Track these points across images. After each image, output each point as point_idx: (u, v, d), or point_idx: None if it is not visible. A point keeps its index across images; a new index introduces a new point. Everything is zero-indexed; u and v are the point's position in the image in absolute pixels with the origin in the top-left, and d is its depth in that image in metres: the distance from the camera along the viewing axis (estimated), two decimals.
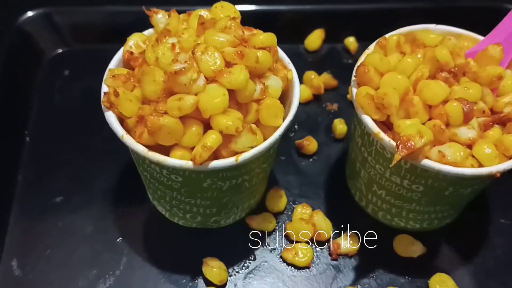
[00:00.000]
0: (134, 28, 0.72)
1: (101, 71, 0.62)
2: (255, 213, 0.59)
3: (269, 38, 0.49)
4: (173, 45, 0.45)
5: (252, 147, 0.46)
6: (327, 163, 0.64)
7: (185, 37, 0.48)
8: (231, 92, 0.45)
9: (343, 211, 0.60)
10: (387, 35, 0.55)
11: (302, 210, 0.59)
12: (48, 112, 0.67)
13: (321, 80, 0.70)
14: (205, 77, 0.45)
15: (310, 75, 0.70)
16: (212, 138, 0.44)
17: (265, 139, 0.47)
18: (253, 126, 0.46)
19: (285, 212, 0.60)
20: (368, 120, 0.49)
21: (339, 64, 0.75)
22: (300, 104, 0.69)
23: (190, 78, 0.44)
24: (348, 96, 0.71)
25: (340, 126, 0.66)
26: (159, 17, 0.52)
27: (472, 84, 0.48)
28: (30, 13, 0.72)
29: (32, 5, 0.73)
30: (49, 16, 0.73)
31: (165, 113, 0.44)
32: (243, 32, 0.48)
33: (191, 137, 0.45)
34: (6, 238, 0.56)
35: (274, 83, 0.48)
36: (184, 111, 0.43)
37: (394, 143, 0.47)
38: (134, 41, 0.51)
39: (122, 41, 0.73)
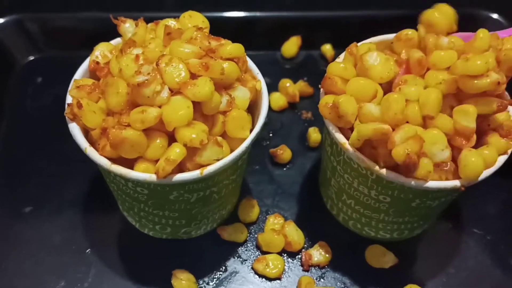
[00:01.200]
0: (107, 35, 0.72)
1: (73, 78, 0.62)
2: (227, 223, 0.58)
3: (236, 48, 0.48)
4: (137, 56, 0.45)
5: (218, 160, 0.45)
6: (301, 172, 0.64)
7: (151, 48, 0.47)
8: (197, 104, 0.45)
9: (316, 220, 0.60)
10: (359, 44, 0.55)
11: (274, 221, 0.58)
12: (19, 119, 0.66)
13: (297, 88, 0.70)
14: (170, 89, 0.44)
15: (285, 83, 0.70)
16: (176, 152, 0.43)
17: (232, 151, 0.47)
18: (219, 138, 0.46)
19: (257, 222, 0.59)
20: (333, 129, 0.49)
21: (315, 71, 0.75)
22: (275, 112, 0.70)
23: (154, 90, 0.43)
24: None
25: (314, 135, 0.65)
26: (127, 26, 0.52)
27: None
28: (1, 20, 0.71)
29: (3, 11, 0.72)
30: (21, 23, 0.72)
31: (128, 125, 0.44)
32: (209, 42, 0.47)
33: (155, 150, 0.44)
34: None
35: (242, 94, 0.48)
36: (147, 124, 0.43)
37: (359, 155, 0.47)
38: (101, 51, 0.50)
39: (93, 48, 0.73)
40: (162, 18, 0.73)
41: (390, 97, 0.45)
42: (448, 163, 0.47)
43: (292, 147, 0.65)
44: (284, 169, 0.64)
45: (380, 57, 0.49)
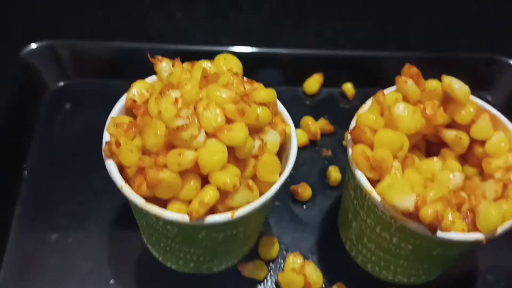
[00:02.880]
0: (136, 64, 0.74)
1: (102, 106, 0.63)
2: (247, 259, 0.59)
3: (269, 94, 0.50)
4: (176, 99, 0.46)
5: (248, 203, 0.47)
6: (320, 210, 0.65)
7: (187, 89, 0.49)
8: (230, 148, 0.46)
9: (334, 261, 0.61)
10: (385, 91, 0.56)
11: (294, 260, 0.59)
12: (47, 146, 0.68)
13: (318, 126, 0.71)
14: (206, 132, 0.46)
15: (308, 121, 0.71)
16: (210, 195, 0.45)
17: (261, 193, 0.48)
18: (250, 182, 0.47)
19: (277, 259, 0.61)
20: (361, 177, 0.50)
21: (336, 109, 0.76)
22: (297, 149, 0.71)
23: (191, 134, 0.45)
24: (344, 142, 0.72)
25: (334, 174, 0.67)
26: (163, 65, 0.53)
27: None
28: (33, 45, 0.73)
29: (35, 37, 0.74)
30: (52, 49, 0.74)
31: (165, 166, 0.45)
32: (244, 88, 0.49)
33: (189, 191, 0.46)
34: (0, 275, 0.57)
35: (272, 138, 0.50)
36: (184, 167, 0.44)
37: (385, 204, 0.48)
38: (137, 89, 0.52)
39: (123, 76, 0.75)
40: (192, 51, 0.76)
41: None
42: (469, 215, 0.49)
43: (312, 184, 0.67)
44: (304, 206, 0.66)
45: (408, 109, 0.51)
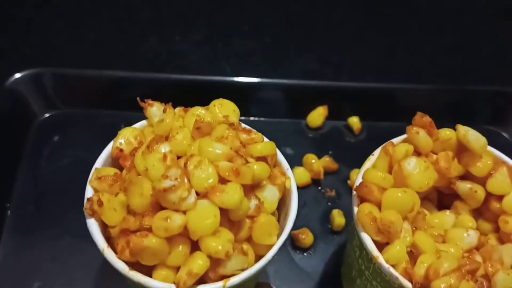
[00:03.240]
0: (128, 93, 0.70)
1: (92, 138, 0.60)
2: None
3: (268, 147, 0.46)
4: (164, 155, 0.42)
5: (242, 269, 0.43)
6: (323, 258, 0.61)
7: (178, 139, 0.45)
8: (223, 209, 0.42)
9: None
10: (394, 140, 0.52)
11: None
12: (33, 183, 0.64)
13: (321, 164, 0.67)
14: (196, 192, 0.42)
15: (311, 159, 0.67)
16: (199, 264, 0.40)
17: (257, 256, 0.44)
18: (245, 246, 0.43)
19: None
20: (368, 240, 0.46)
21: (341, 144, 0.72)
22: (298, 188, 0.67)
23: (180, 196, 0.40)
24: (349, 182, 0.68)
25: (338, 219, 0.63)
26: (154, 110, 0.49)
27: None
28: (18, 74, 0.69)
29: (21, 65, 0.70)
30: (39, 77, 0.70)
31: (150, 229, 0.41)
32: (240, 142, 0.45)
33: (176, 257, 0.41)
34: None
35: (270, 196, 0.45)
36: (171, 232, 0.40)
37: (393, 272, 0.44)
38: (125, 137, 0.48)
39: (115, 106, 0.71)
40: (188, 81, 0.72)
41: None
42: (485, 285, 0.44)
43: (314, 228, 0.63)
44: (305, 254, 0.61)
45: (420, 165, 0.46)
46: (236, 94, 0.70)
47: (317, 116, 0.73)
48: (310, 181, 0.67)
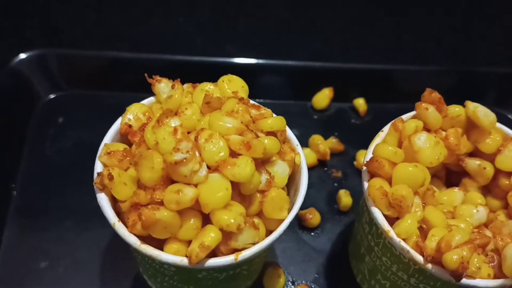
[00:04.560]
0: (133, 74, 0.69)
1: (97, 119, 0.59)
2: None
3: (278, 122, 0.45)
4: (175, 129, 0.42)
5: (253, 243, 0.43)
6: (329, 238, 0.61)
7: (188, 114, 0.45)
8: (234, 183, 0.42)
9: None
10: (404, 117, 0.52)
11: None
12: (38, 164, 0.64)
13: (328, 146, 0.67)
14: (207, 166, 0.41)
15: (317, 140, 0.67)
16: (211, 237, 0.40)
17: (267, 230, 0.44)
18: (256, 220, 0.43)
19: None
20: (378, 215, 0.46)
21: (347, 126, 0.72)
22: None
23: (191, 169, 0.40)
24: (355, 162, 0.67)
25: (345, 199, 0.62)
26: (162, 86, 0.49)
27: None
28: (23, 55, 0.69)
29: (25, 45, 0.70)
30: (44, 58, 0.70)
31: (162, 203, 0.41)
32: (250, 116, 0.44)
33: (188, 231, 0.41)
34: None
35: (280, 171, 0.45)
36: (183, 205, 0.40)
37: (404, 246, 0.44)
38: (133, 113, 0.47)
39: (120, 87, 0.70)
40: (193, 62, 0.72)
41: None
42: (495, 259, 0.44)
43: (321, 209, 0.62)
44: (312, 234, 0.61)
45: (430, 140, 0.46)
46: (241, 75, 0.70)
47: (323, 97, 0.72)
48: (317, 162, 0.67)
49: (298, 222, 0.62)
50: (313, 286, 0.57)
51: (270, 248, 0.53)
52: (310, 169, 0.66)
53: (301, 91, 0.73)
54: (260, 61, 0.72)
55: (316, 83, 0.73)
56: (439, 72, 0.74)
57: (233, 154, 0.42)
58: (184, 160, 0.40)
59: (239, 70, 0.72)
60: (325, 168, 0.67)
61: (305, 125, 0.71)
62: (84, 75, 0.71)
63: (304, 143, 0.68)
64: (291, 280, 0.57)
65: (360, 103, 0.72)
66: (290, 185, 0.48)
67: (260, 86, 0.72)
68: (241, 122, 0.43)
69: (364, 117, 0.72)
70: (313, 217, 0.61)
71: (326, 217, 0.62)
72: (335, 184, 0.66)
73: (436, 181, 0.53)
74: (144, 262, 0.48)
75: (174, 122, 0.44)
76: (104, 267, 0.56)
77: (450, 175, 0.54)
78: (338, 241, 0.61)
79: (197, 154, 0.41)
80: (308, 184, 0.65)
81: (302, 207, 0.61)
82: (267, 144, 0.43)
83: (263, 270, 0.57)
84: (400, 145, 0.49)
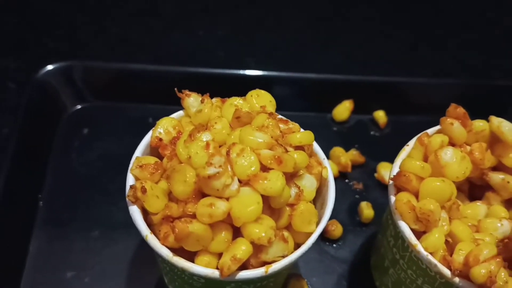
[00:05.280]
0: (157, 86, 0.70)
1: (121, 131, 0.60)
2: None
3: (306, 137, 0.46)
4: (207, 143, 0.43)
5: (283, 256, 0.43)
6: (351, 250, 0.61)
7: (218, 128, 0.45)
8: (265, 197, 0.42)
9: None
10: (429, 131, 0.52)
11: None
12: (64, 175, 0.65)
13: (349, 158, 0.67)
14: (239, 180, 0.42)
15: (338, 152, 0.67)
16: (242, 250, 0.41)
17: (296, 243, 0.45)
18: (285, 233, 0.44)
19: None
20: (406, 228, 0.46)
21: (366, 138, 0.72)
22: None
23: (224, 183, 0.41)
24: (376, 175, 0.68)
25: (367, 211, 0.63)
26: (191, 100, 0.50)
27: None
28: (50, 66, 0.70)
29: (52, 57, 0.71)
30: (70, 70, 0.71)
31: (194, 216, 0.41)
32: (280, 131, 0.45)
33: (219, 244, 0.42)
34: None
35: (309, 185, 0.46)
36: (215, 219, 0.41)
37: (432, 260, 0.44)
38: (164, 127, 0.48)
39: (144, 99, 0.71)
40: (215, 75, 0.72)
41: None
42: None
43: (342, 221, 0.63)
44: (335, 245, 0.62)
45: (456, 155, 0.47)
46: (262, 88, 0.71)
47: (343, 110, 0.73)
48: (338, 174, 0.68)
49: (321, 234, 0.62)
50: None
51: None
52: None
53: (321, 103, 0.74)
54: (282, 73, 0.73)
55: (336, 95, 0.74)
56: (458, 85, 0.74)
57: (264, 168, 0.43)
58: (217, 174, 0.41)
59: (260, 82, 0.73)
60: (346, 180, 0.68)
61: (326, 137, 0.71)
62: (109, 87, 0.72)
63: (326, 155, 0.68)
64: None
65: (380, 115, 0.73)
66: (317, 198, 0.49)
67: (280, 98, 0.72)
68: (271, 137, 0.44)
69: (384, 129, 0.73)
70: (335, 228, 0.61)
71: (348, 229, 0.63)
72: (357, 196, 0.66)
73: (459, 194, 0.53)
74: (172, 273, 0.48)
75: (205, 136, 0.44)
76: (130, 278, 0.57)
77: (472, 188, 0.54)
78: (360, 253, 0.61)
79: (229, 168, 0.42)
80: None
81: None
82: (297, 159, 0.44)
83: (286, 281, 0.57)
84: (425, 160, 0.49)
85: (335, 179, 0.67)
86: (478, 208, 0.52)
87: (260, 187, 0.42)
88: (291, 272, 0.58)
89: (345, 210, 0.65)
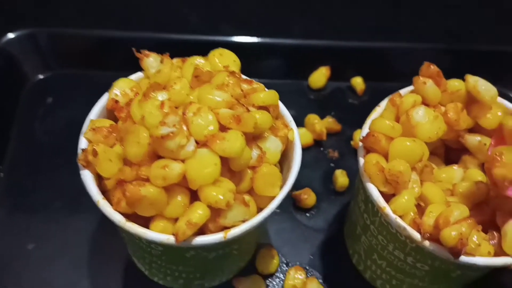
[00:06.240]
0: (124, 53, 0.67)
1: (86, 100, 0.57)
2: (243, 273, 0.54)
3: (270, 96, 0.44)
4: (162, 103, 0.40)
5: (244, 221, 0.41)
6: (325, 219, 0.59)
7: (177, 89, 0.43)
8: (224, 158, 0.40)
9: (340, 275, 0.55)
10: (402, 91, 0.50)
11: (295, 275, 0.54)
12: (27, 145, 0.62)
13: (324, 125, 0.65)
14: (196, 141, 0.40)
15: (313, 119, 0.65)
16: (199, 214, 0.39)
17: (258, 208, 0.43)
18: (246, 197, 0.41)
19: (276, 274, 0.55)
20: (374, 191, 0.44)
21: (344, 105, 0.70)
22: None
23: (178, 143, 0.39)
24: (352, 142, 0.66)
25: (341, 179, 0.61)
26: (150, 60, 0.47)
27: None
28: (12, 34, 0.67)
29: (14, 25, 0.67)
30: (33, 38, 0.67)
31: (148, 179, 0.39)
32: (241, 90, 0.43)
33: (175, 208, 0.40)
34: None
35: (273, 147, 0.44)
36: (169, 181, 0.38)
37: (401, 223, 0.42)
38: (120, 88, 0.46)
39: (110, 67, 0.68)
40: (186, 41, 0.69)
41: None
42: (496, 236, 0.43)
43: (316, 189, 0.61)
44: (308, 214, 0.60)
45: (428, 114, 0.45)
46: (237, 54, 0.68)
47: (319, 76, 0.70)
48: (312, 142, 0.65)
49: (293, 203, 0.60)
50: (307, 268, 0.55)
51: (262, 228, 0.52)
52: (306, 149, 0.65)
53: (297, 70, 0.71)
54: (256, 39, 0.70)
55: (313, 61, 0.71)
56: (437, 50, 0.72)
57: (223, 128, 0.40)
58: (171, 134, 0.38)
59: (235, 49, 0.70)
60: (321, 148, 0.65)
61: (301, 104, 0.69)
62: (75, 55, 0.69)
63: (300, 123, 0.66)
64: (285, 261, 0.56)
65: (357, 82, 0.71)
66: (283, 162, 0.47)
67: (255, 65, 0.70)
68: (232, 96, 0.42)
69: (362, 96, 0.71)
70: (308, 197, 0.59)
71: (321, 197, 0.61)
72: (332, 164, 0.64)
73: (434, 158, 0.51)
74: (132, 243, 0.46)
75: (161, 96, 0.42)
76: (93, 249, 0.55)
77: (449, 152, 0.52)
78: (334, 222, 0.59)
79: (184, 128, 0.39)
80: (304, 164, 0.63)
81: (297, 187, 0.60)
82: (259, 119, 0.42)
83: (256, 251, 0.55)
84: (397, 121, 0.47)
85: (310, 147, 0.65)
86: (453, 172, 0.50)
87: (218, 147, 0.39)
88: (262, 242, 0.56)
89: (320, 179, 0.63)
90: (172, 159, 0.39)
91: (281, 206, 0.59)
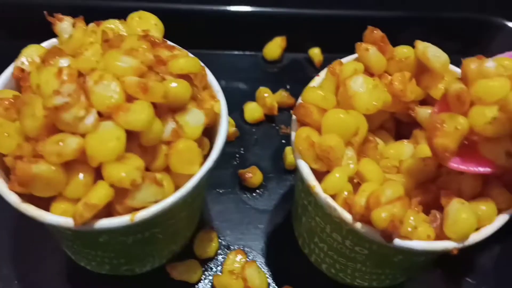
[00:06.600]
0: (46, 25, 0.61)
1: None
2: (179, 258, 0.50)
3: (190, 63, 0.40)
4: (59, 70, 0.36)
5: (156, 202, 0.37)
6: (272, 199, 0.56)
7: (86, 56, 0.38)
8: (133, 133, 0.36)
9: (285, 259, 0.52)
10: (344, 60, 0.46)
11: (234, 259, 0.50)
12: None
13: (276, 99, 0.61)
14: (99, 113, 0.35)
15: (263, 92, 0.61)
16: (100, 194, 0.35)
17: (177, 189, 0.39)
18: (158, 175, 0.37)
19: (216, 258, 0.51)
20: (304, 168, 0.40)
21: (300, 78, 0.64)
22: (250, 125, 0.61)
23: (75, 115, 0.34)
24: None
25: (291, 156, 0.57)
26: (64, 25, 0.42)
27: None
28: None
29: None
30: None
31: (42, 157, 0.35)
32: (158, 56, 0.38)
33: (76, 188, 0.36)
34: None
35: (193, 120, 0.39)
36: (65, 157, 0.34)
37: (331, 203, 0.38)
38: (29, 56, 0.41)
39: (26, 37, 0.62)
40: (126, 8, 0.64)
41: None
42: (438, 218, 0.39)
43: (265, 168, 0.57)
44: (254, 194, 0.56)
45: (367, 83, 0.40)
46: (187, 23, 0.64)
47: (274, 47, 0.66)
48: (263, 117, 0.61)
49: (238, 181, 0.56)
50: (249, 251, 0.52)
51: (195, 209, 0.48)
52: (256, 124, 0.61)
53: (251, 40, 0.66)
54: (206, 7, 0.66)
55: (268, 31, 0.66)
56: (401, 18, 0.67)
57: (130, 99, 0.36)
58: (66, 105, 0.34)
59: (184, 18, 0.66)
60: (273, 124, 0.61)
61: (255, 77, 0.65)
62: None
63: (252, 97, 0.62)
64: (226, 244, 0.52)
65: (315, 53, 0.66)
66: (213, 137, 0.42)
67: (206, 36, 0.65)
68: (142, 63, 0.37)
69: (320, 69, 0.66)
70: (254, 176, 0.55)
71: (270, 176, 0.57)
72: (283, 141, 0.60)
73: (383, 133, 0.47)
74: (49, 226, 0.42)
75: (63, 61, 0.38)
76: (19, 234, 0.51)
77: (400, 127, 0.48)
78: (282, 202, 0.55)
79: (83, 98, 0.35)
80: (253, 141, 0.60)
81: (245, 165, 0.56)
82: (174, 88, 0.38)
83: (195, 234, 0.51)
84: (338, 92, 0.43)
85: (261, 122, 0.61)
86: (403, 147, 0.45)
87: (122, 119, 0.35)
88: (202, 225, 0.52)
89: (270, 156, 0.59)
90: (71, 133, 0.35)
91: (225, 185, 0.56)
